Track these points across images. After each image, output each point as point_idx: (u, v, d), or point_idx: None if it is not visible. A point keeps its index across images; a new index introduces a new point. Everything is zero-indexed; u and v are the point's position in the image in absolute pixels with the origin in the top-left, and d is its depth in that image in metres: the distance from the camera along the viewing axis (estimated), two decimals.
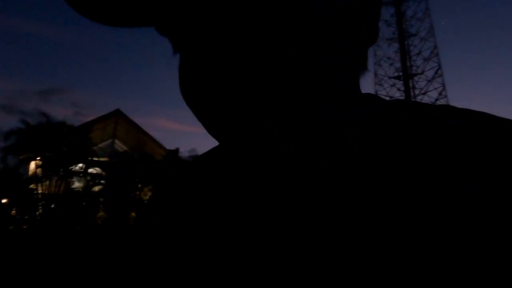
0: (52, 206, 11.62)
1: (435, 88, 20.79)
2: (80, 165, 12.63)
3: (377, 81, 21.45)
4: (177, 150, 14.40)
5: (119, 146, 18.29)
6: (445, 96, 20.73)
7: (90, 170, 13.06)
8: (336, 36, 0.24)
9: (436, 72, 20.68)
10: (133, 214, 11.38)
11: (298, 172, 0.25)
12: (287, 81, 0.22)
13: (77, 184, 13.35)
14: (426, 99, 20.62)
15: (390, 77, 21.18)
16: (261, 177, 0.28)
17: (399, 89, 21.00)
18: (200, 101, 0.24)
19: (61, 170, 12.08)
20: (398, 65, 20.94)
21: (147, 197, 11.08)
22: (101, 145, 17.45)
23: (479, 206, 0.22)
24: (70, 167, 12.33)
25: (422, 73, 20.75)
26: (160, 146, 17.53)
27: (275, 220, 0.26)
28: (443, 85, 20.70)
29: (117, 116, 18.99)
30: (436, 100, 20.67)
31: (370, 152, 0.25)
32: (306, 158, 0.25)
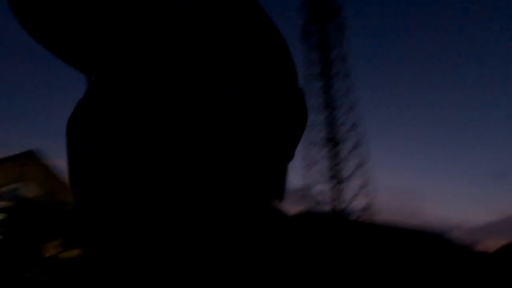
0: None
1: (357, 157, 22.46)
2: None
3: (304, 147, 22.62)
4: None
5: (29, 190, 16.46)
6: (365, 165, 22.42)
7: None
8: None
9: (358, 142, 22.52)
10: (27, 274, 9.82)
11: None
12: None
13: None
14: (348, 166, 22.13)
15: (315, 144, 22.53)
16: None
17: (324, 156, 22.30)
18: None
19: None
20: (324, 132, 22.47)
21: (48, 254, 9.72)
22: (5, 189, 15.54)
23: None
24: None
25: (345, 141, 22.43)
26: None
27: None
28: (364, 154, 22.49)
29: (29, 157, 17.26)
30: (357, 167, 22.26)
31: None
32: None
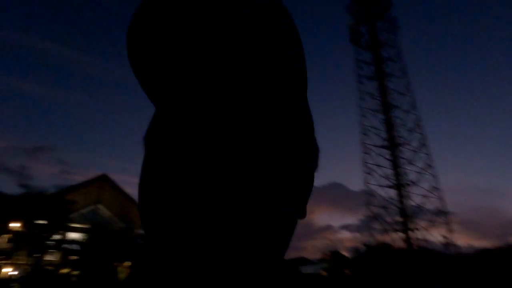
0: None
1: (421, 158, 21.10)
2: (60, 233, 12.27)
3: (364, 150, 21.79)
4: None
5: (104, 212, 17.92)
6: (431, 166, 20.98)
7: (71, 235, 12.67)
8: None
9: (421, 143, 21.16)
10: None
11: None
12: None
13: (50, 258, 12.78)
14: (412, 169, 20.85)
15: (376, 146, 21.57)
16: None
17: (386, 159, 21.27)
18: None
19: (31, 244, 11.58)
20: (384, 135, 21.46)
21: (122, 276, 10.49)
22: (84, 210, 17.09)
23: None
24: (45, 240, 11.85)
25: (407, 143, 21.20)
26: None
27: None
28: (429, 155, 21.05)
29: (103, 181, 18.81)
30: (422, 169, 20.89)
31: None
32: None
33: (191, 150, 0.30)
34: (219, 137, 0.30)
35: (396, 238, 20.64)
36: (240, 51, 0.31)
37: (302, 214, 0.35)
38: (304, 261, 26.53)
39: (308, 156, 0.35)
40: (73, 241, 13.09)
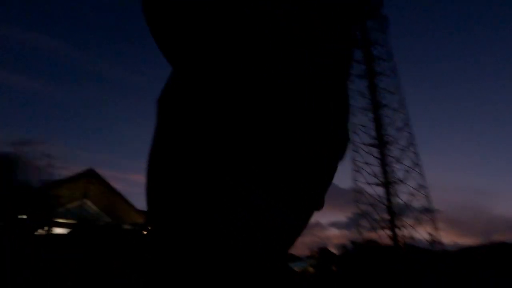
0: None
1: (409, 157, 21.35)
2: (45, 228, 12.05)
3: (353, 148, 21.94)
4: None
5: (90, 207, 17.64)
6: (418, 165, 21.24)
7: (57, 231, 12.44)
8: None
9: (409, 142, 21.41)
10: None
11: None
12: None
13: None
14: (400, 167, 21.09)
15: (365, 145, 21.74)
16: None
17: (375, 157, 21.46)
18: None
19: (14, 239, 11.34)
20: (373, 133, 21.64)
21: (110, 273, 10.33)
22: (70, 205, 16.80)
23: None
24: (30, 235, 11.61)
25: (395, 142, 21.42)
26: (135, 209, 16.94)
27: None
28: (416, 154, 21.32)
29: (90, 175, 18.53)
30: (410, 168, 21.14)
31: None
32: None
33: (206, 125, 0.28)
34: (239, 114, 0.27)
35: (383, 235, 20.88)
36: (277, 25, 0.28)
37: (320, 205, 0.33)
38: (293, 257, 26.66)
39: (337, 146, 0.32)
40: (58, 236, 12.87)
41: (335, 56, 0.31)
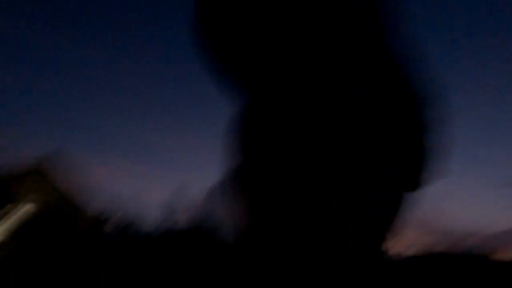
0: None
1: None
2: None
3: None
4: (102, 220, 13.42)
5: (46, 197, 16.88)
6: None
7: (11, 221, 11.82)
8: None
9: None
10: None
11: None
12: None
13: None
14: None
15: None
16: None
17: None
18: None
19: None
20: None
21: (61, 262, 9.88)
22: (26, 195, 15.96)
23: None
24: None
25: None
26: (91, 203, 16.38)
27: None
28: None
29: (47, 164, 17.72)
30: None
31: None
32: None
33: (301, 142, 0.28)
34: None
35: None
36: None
37: (416, 186, 0.32)
38: None
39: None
40: (11, 228, 12.25)
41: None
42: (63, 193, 16.78)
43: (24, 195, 15.76)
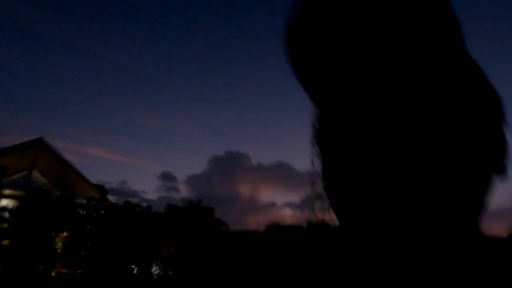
0: None
1: None
2: None
3: (313, 132, 22.37)
4: (104, 190, 13.41)
5: (39, 179, 16.64)
6: None
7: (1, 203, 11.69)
8: None
9: None
10: (40, 267, 10.06)
11: None
12: None
13: None
14: None
15: None
16: None
17: None
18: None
19: None
20: None
21: (58, 246, 9.93)
22: (16, 176, 15.74)
23: None
24: None
25: None
26: (86, 181, 16.24)
27: None
28: None
29: (38, 145, 17.42)
30: None
31: None
32: None
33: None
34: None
35: (335, 217, 21.74)
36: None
37: (500, 169, 0.35)
38: (247, 233, 27.09)
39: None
40: (2, 209, 12.10)
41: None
42: (55, 173, 16.58)
43: (12, 174, 15.55)
